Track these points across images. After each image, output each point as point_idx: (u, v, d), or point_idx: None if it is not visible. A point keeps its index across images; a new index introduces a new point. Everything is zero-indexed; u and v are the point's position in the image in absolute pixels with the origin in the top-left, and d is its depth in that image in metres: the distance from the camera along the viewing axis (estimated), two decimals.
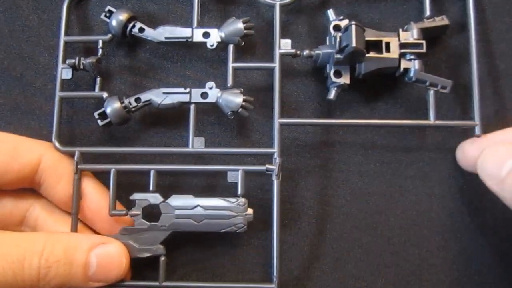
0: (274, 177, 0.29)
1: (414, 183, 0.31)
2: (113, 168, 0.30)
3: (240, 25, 0.31)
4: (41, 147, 0.29)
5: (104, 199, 0.29)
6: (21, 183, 0.29)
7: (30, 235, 0.27)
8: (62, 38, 0.32)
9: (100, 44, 0.31)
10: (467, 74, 0.31)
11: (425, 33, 0.30)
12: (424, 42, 0.29)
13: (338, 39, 0.29)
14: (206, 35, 0.31)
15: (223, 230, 0.29)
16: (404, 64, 0.30)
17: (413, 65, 0.30)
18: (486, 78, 0.31)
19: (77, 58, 0.31)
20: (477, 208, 0.31)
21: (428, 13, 0.31)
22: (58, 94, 0.31)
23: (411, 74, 0.30)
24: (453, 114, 0.31)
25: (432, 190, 0.31)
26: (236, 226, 0.29)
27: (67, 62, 0.31)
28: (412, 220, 0.31)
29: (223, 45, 0.31)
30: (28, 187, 0.29)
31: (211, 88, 0.30)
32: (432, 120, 0.30)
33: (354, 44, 0.28)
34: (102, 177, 0.30)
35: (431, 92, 0.30)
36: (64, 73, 0.31)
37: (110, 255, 0.27)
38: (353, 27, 0.28)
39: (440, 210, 0.31)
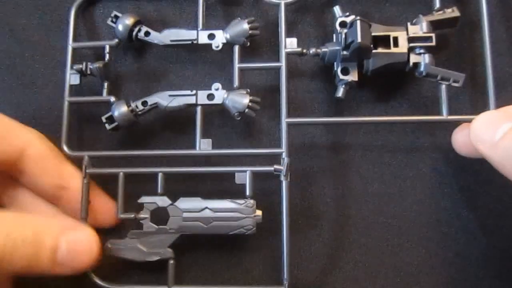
0: (282, 178, 0.29)
1: (413, 184, 0.30)
2: (121, 171, 0.30)
3: (245, 25, 0.31)
4: (30, 135, 0.29)
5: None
6: (1, 167, 0.28)
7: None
8: (70, 45, 0.32)
9: (107, 49, 0.32)
10: (477, 69, 0.30)
11: (435, 26, 0.29)
12: (433, 34, 0.29)
13: (343, 36, 0.29)
14: (211, 36, 0.31)
15: (232, 232, 0.29)
16: (413, 58, 0.29)
17: (423, 59, 0.29)
18: (500, 72, 0.30)
19: (84, 63, 0.31)
20: (477, 209, 0.30)
21: (437, 5, 0.30)
22: (67, 99, 0.31)
23: (422, 68, 0.29)
24: (463, 110, 0.30)
25: (431, 191, 0.30)
26: (244, 228, 0.29)
27: (74, 67, 0.31)
28: (410, 221, 0.30)
29: (228, 46, 0.31)
30: (6, 172, 0.29)
31: (217, 89, 0.30)
32: (445, 115, 0.29)
33: (359, 40, 0.27)
34: (110, 181, 0.30)
35: (443, 87, 0.29)
36: (72, 78, 0.31)
37: (81, 241, 0.26)
38: (358, 22, 0.28)
39: (438, 212, 0.30)
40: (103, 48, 0.32)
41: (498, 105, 0.28)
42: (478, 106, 0.30)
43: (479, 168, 0.29)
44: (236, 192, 0.30)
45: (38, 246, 0.25)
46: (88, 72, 0.31)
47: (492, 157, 0.26)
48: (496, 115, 0.26)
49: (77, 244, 0.26)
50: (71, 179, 0.29)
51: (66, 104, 0.31)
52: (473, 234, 0.29)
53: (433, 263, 0.29)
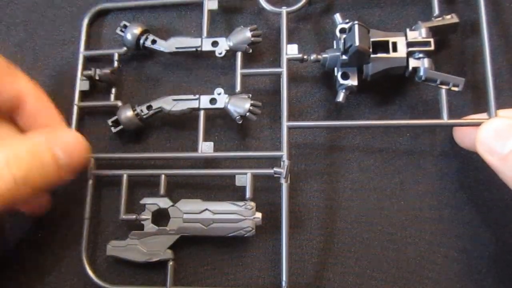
0: (282, 180, 0.29)
1: (415, 180, 0.30)
2: (125, 173, 0.31)
3: (247, 33, 0.32)
4: (25, 83, 0.29)
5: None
6: None
7: None
8: (81, 53, 0.33)
9: (116, 57, 0.33)
10: (476, 73, 0.30)
11: (435, 32, 0.30)
12: (432, 39, 0.29)
13: (342, 41, 0.29)
14: (215, 44, 0.32)
15: (231, 234, 0.29)
16: (412, 63, 0.29)
17: (422, 64, 0.29)
18: (499, 75, 0.30)
19: (93, 69, 0.32)
20: (478, 206, 0.29)
21: (436, 12, 0.30)
22: (76, 104, 0.32)
23: (421, 73, 0.29)
24: (464, 112, 0.30)
25: (433, 187, 0.30)
26: (244, 230, 0.29)
27: (84, 73, 0.32)
28: (413, 217, 0.30)
29: (231, 53, 0.32)
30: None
31: (219, 94, 0.31)
32: (445, 119, 0.29)
33: (357, 43, 0.28)
34: (114, 181, 0.31)
35: (443, 91, 0.29)
36: (82, 84, 0.33)
37: (71, 141, 0.27)
38: (356, 26, 0.28)
39: (440, 208, 0.29)
40: (112, 55, 0.33)
41: (498, 108, 0.28)
42: (479, 108, 0.30)
43: (480, 165, 0.28)
44: (236, 194, 0.30)
45: (39, 161, 0.26)
46: (97, 78, 0.32)
47: (501, 169, 0.25)
48: (505, 125, 0.26)
49: (68, 144, 0.27)
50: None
51: (75, 108, 0.32)
52: (475, 230, 0.29)
53: (436, 259, 0.29)
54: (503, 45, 0.31)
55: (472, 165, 0.30)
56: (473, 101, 0.30)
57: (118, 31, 0.33)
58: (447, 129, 0.30)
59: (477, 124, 0.28)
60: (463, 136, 0.29)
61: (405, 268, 0.29)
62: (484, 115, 0.28)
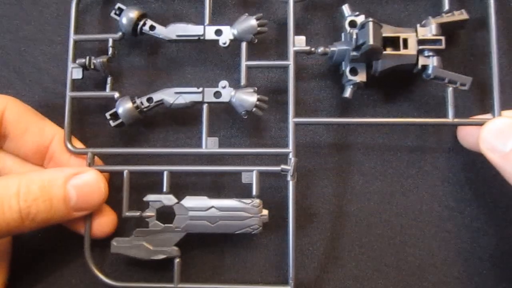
0: (289, 178, 0.29)
1: (416, 182, 0.31)
2: (126, 169, 0.30)
3: (253, 22, 0.30)
4: (4, 100, 0.29)
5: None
6: None
7: (1, 180, 0.26)
8: (72, 37, 0.31)
9: (111, 43, 0.31)
10: (483, 72, 0.30)
11: (444, 28, 0.29)
12: (443, 38, 0.29)
13: (354, 36, 0.28)
14: (219, 32, 0.30)
15: (238, 232, 0.29)
16: (422, 61, 0.29)
17: (432, 62, 0.29)
18: (506, 74, 0.31)
19: (88, 57, 0.30)
20: (478, 208, 0.30)
21: (447, 7, 0.30)
22: (69, 94, 0.30)
23: (429, 71, 0.29)
24: (470, 112, 0.30)
25: (433, 189, 0.30)
26: (251, 227, 0.29)
27: (77, 61, 0.30)
28: (413, 219, 0.30)
29: (236, 43, 0.30)
30: None
31: (224, 87, 0.30)
32: (450, 118, 0.29)
33: (371, 42, 0.27)
34: (115, 177, 0.30)
35: (450, 90, 0.29)
36: (75, 72, 0.30)
37: (88, 183, 0.27)
38: (370, 24, 0.27)
39: (441, 210, 0.30)
40: (107, 41, 0.31)
41: (503, 108, 0.28)
42: (485, 108, 0.30)
43: (481, 166, 0.29)
44: (242, 191, 0.30)
45: (49, 200, 0.26)
46: (92, 66, 0.30)
47: (503, 167, 0.26)
48: (508, 124, 0.26)
49: (84, 186, 0.27)
50: (53, 136, 0.29)
51: (68, 99, 0.30)
52: (476, 233, 0.30)
53: (436, 262, 0.30)
54: (510, 45, 0.31)
55: (473, 167, 0.30)
56: (479, 101, 0.31)
57: (112, 14, 0.31)
58: (452, 128, 0.30)
59: (481, 124, 0.28)
60: (466, 135, 0.29)
61: (405, 271, 0.30)
62: (489, 115, 0.29)
